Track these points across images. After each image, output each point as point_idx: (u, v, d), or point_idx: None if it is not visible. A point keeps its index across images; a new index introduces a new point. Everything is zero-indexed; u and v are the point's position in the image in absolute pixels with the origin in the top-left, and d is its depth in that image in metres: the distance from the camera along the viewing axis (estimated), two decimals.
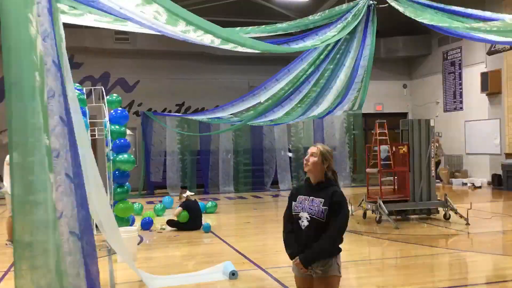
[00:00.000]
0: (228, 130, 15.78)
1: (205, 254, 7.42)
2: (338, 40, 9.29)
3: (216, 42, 5.51)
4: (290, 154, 17.92)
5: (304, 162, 3.49)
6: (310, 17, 8.11)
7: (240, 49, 6.04)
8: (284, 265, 6.62)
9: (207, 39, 5.40)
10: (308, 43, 7.93)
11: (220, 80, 18.31)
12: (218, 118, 13.80)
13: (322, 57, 9.64)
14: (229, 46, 5.80)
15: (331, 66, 9.81)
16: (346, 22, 8.32)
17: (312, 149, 3.48)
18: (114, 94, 8.92)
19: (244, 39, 5.93)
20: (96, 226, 8.64)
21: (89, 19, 5.49)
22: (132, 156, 8.11)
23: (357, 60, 9.86)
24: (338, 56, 9.62)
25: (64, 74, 3.93)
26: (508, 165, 14.95)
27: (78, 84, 8.34)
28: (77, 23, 5.81)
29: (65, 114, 3.39)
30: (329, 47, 9.46)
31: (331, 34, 8.19)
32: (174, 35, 5.49)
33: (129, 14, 4.68)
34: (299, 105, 10.91)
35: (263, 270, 6.31)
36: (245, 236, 8.82)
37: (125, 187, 7.95)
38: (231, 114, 13.01)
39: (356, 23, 8.54)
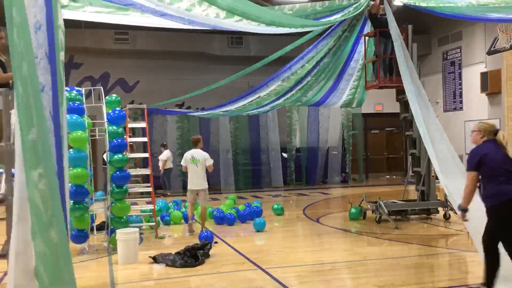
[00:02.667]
0: (225, 114, 15.80)
1: None
2: (339, 37, 9.40)
3: (222, 15, 5.42)
4: (285, 155, 18.07)
5: None
6: (310, 5, 8.06)
7: (244, 23, 5.88)
8: (284, 265, 6.62)
9: (212, 13, 5.31)
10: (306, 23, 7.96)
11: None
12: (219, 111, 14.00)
13: (322, 54, 9.74)
14: (233, 19, 5.66)
15: (329, 60, 9.95)
16: (347, 11, 8.39)
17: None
18: (114, 95, 8.90)
19: (249, 9, 5.78)
20: (96, 228, 8.68)
21: (89, 11, 5.45)
22: (126, 155, 8.08)
23: (352, 52, 9.97)
24: (336, 51, 9.77)
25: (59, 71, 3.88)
26: None
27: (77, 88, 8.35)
28: (77, 18, 5.77)
29: (53, 110, 3.34)
30: (329, 45, 9.55)
31: (333, 18, 8.25)
32: (178, 17, 5.39)
33: None
34: (299, 91, 11.11)
35: (263, 270, 6.30)
36: (245, 236, 8.81)
37: (123, 188, 7.95)
38: (235, 108, 13.16)
39: (356, 13, 8.61)
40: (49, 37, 3.27)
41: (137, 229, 7.24)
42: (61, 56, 4.16)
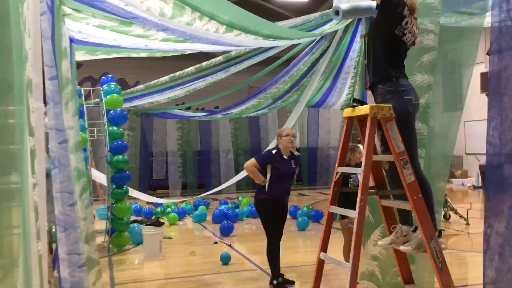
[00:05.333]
0: (225, 117, 15.81)
1: (205, 254, 7.42)
2: (333, 38, 9.45)
3: (221, 30, 5.46)
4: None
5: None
6: (308, 22, 8.18)
7: (243, 37, 5.91)
8: (284, 265, 6.62)
9: (212, 27, 5.35)
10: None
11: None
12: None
13: (316, 55, 9.78)
14: (233, 33, 5.70)
15: (324, 60, 10.00)
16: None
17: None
18: (109, 76, 8.90)
19: (248, 23, 5.82)
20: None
21: (92, 25, 5.48)
22: (125, 156, 8.09)
23: (347, 51, 10.00)
24: (331, 51, 9.81)
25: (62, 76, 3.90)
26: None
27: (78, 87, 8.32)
28: (80, 31, 5.78)
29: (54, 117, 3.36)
30: (324, 47, 9.60)
31: (327, 27, 8.29)
32: (180, 32, 5.43)
33: (134, 10, 4.64)
34: (296, 92, 11.18)
35: (263, 270, 6.30)
36: (245, 236, 8.81)
37: (124, 188, 7.96)
38: (233, 112, 13.21)
39: (350, 19, 8.65)
40: (52, 45, 3.27)
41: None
42: (64, 64, 4.18)
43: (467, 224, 9.00)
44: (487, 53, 15.83)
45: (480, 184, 15.78)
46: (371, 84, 3.90)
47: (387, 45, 3.71)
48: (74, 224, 3.46)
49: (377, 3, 3.75)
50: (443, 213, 9.66)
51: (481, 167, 15.40)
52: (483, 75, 16.23)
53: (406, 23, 3.65)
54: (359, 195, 3.42)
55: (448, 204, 9.46)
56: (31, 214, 2.70)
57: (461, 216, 9.23)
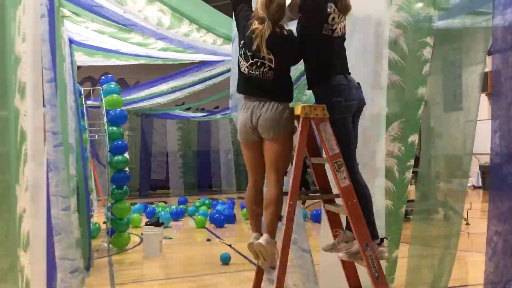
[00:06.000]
0: (224, 118, 15.79)
1: (205, 254, 7.41)
2: None
3: (218, 42, 5.52)
4: None
5: None
6: None
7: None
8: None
9: (209, 39, 5.40)
10: None
11: (220, 81, 18.27)
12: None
13: None
14: (230, 45, 5.77)
15: None
16: None
17: None
18: (109, 75, 8.92)
19: None
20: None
21: (91, 29, 5.50)
22: (125, 156, 8.10)
23: None
24: None
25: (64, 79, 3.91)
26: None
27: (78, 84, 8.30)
28: (79, 33, 5.79)
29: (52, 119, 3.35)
30: None
31: None
32: (176, 42, 5.48)
33: (133, 18, 4.66)
34: (294, 91, 11.24)
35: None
36: (245, 236, 8.80)
37: (124, 188, 7.96)
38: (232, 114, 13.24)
39: None
40: (52, 47, 3.27)
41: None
42: (64, 66, 4.19)
43: (467, 224, 8.99)
44: (487, 53, 15.85)
45: (480, 184, 15.78)
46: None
47: (314, 48, 3.40)
48: (67, 229, 3.44)
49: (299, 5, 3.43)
50: (443, 213, 9.64)
51: (481, 167, 15.40)
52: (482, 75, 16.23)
53: (333, 19, 3.33)
54: (288, 199, 3.25)
55: (448, 204, 9.44)
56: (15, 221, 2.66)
57: None
